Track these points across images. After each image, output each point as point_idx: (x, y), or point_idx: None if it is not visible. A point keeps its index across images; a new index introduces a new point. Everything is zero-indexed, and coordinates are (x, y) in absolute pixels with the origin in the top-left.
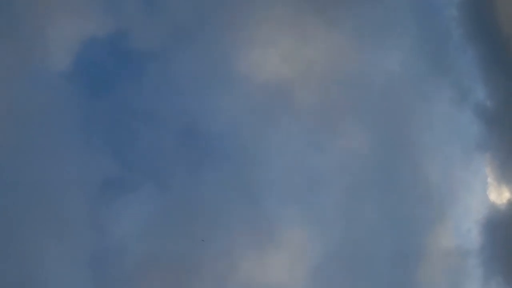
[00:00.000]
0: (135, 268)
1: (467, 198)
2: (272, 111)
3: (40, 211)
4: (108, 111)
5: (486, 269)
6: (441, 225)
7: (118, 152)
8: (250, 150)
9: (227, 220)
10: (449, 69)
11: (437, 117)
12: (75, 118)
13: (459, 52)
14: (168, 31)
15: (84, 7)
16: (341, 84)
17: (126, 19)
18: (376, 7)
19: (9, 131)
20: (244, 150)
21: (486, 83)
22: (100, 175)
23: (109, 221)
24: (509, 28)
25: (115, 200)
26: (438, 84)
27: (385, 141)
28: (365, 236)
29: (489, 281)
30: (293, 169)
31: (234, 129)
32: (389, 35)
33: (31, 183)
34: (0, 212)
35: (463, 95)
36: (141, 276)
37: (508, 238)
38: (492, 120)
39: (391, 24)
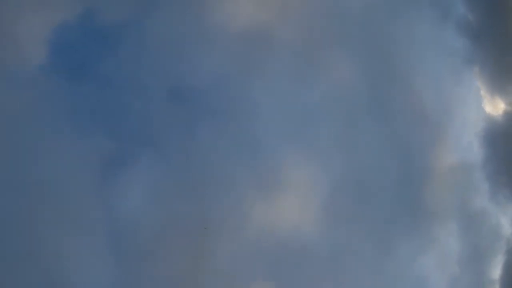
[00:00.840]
0: (151, 237)
1: (463, 113)
2: (255, 56)
3: (47, 202)
4: (93, 90)
5: (492, 183)
6: (441, 142)
7: (111, 128)
8: (240, 99)
9: (231, 173)
10: None
11: (421, 37)
12: (62, 105)
13: None
14: None
15: None
16: (319, 16)
17: None
18: None
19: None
20: (235, 101)
21: None
22: (98, 154)
23: (116, 197)
24: None
25: (118, 176)
26: (418, 4)
27: (372, 68)
28: (367, 164)
29: (496, 195)
30: (286, 109)
31: (220, 82)
32: None
33: (33, 177)
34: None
35: (444, 12)
36: (158, 243)
37: (509, 149)
38: (476, 33)
39: None
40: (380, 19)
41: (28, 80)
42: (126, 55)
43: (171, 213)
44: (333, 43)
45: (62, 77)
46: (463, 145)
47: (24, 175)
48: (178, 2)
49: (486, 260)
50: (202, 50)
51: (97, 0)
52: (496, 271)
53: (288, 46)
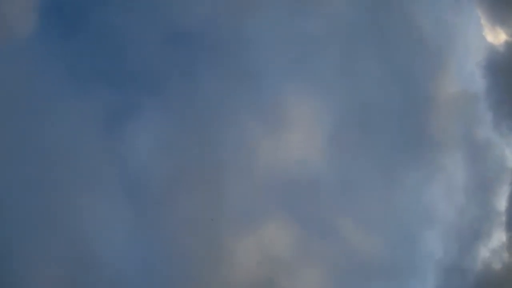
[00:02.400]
0: (163, 184)
1: (464, 42)
2: None
3: (58, 162)
4: (88, 46)
5: (495, 113)
6: (443, 71)
7: (111, 81)
8: (238, 35)
9: (235, 111)
10: None
11: None
12: (60, 65)
13: None
14: None
15: None
16: None
17: None
18: None
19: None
20: (232, 38)
21: None
22: (102, 108)
23: (125, 148)
24: None
25: (125, 126)
26: None
27: None
28: (370, 94)
29: (500, 126)
30: (285, 41)
31: (216, 19)
32: None
33: (41, 140)
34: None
35: None
36: (170, 189)
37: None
38: None
39: None
40: None
41: (22, 48)
42: (117, 6)
43: (179, 157)
44: None
45: (56, 38)
46: (465, 74)
47: (31, 139)
48: None
49: (492, 191)
50: None
51: None
52: (502, 203)
53: None
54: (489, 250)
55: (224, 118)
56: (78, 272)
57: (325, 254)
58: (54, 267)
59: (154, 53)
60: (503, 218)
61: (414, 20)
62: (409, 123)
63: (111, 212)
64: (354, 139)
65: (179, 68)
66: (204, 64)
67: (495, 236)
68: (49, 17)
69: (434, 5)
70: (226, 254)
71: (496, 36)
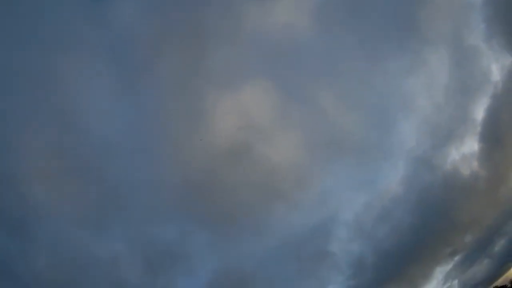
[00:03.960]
0: (147, 50)
1: None
2: None
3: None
4: None
5: (488, 26)
6: None
7: None
8: None
9: None
10: None
11: None
12: None
13: None
14: None
15: None
16: None
17: None
18: None
19: None
20: None
21: None
22: None
23: (110, 13)
24: None
25: None
26: None
27: None
28: None
29: (491, 39)
30: None
31: None
32: None
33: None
34: None
35: None
36: (156, 51)
37: None
38: None
39: None
40: None
41: None
42: None
43: (164, 19)
44: None
45: None
46: None
47: None
48: None
49: (471, 98)
50: None
51: None
52: (479, 113)
53: None
54: (459, 154)
55: None
56: (65, 139)
57: (302, 124)
58: (41, 135)
59: None
60: (478, 129)
61: None
62: (402, 13)
63: (96, 77)
64: (344, 16)
65: None
66: None
67: (467, 143)
68: None
69: None
70: (206, 117)
71: None
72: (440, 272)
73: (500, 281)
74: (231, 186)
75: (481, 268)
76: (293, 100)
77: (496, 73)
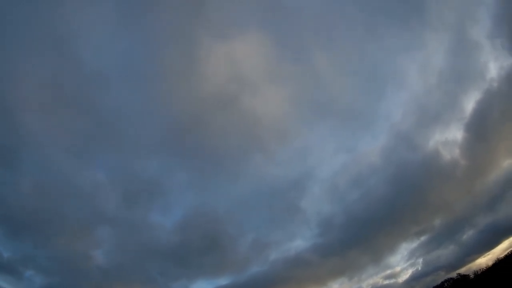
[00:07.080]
0: None
1: None
2: None
3: None
4: None
5: (494, 21)
6: None
7: None
8: None
9: None
10: None
11: None
12: None
13: None
14: None
15: None
16: None
17: None
18: None
19: None
20: None
21: None
22: None
23: None
24: None
25: None
26: None
27: None
28: None
29: (494, 37)
30: None
31: None
32: None
33: None
34: None
35: None
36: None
37: None
38: None
39: None
40: None
41: None
42: None
43: None
44: None
45: None
46: None
47: None
48: None
49: (463, 89)
50: None
51: None
52: (469, 104)
53: None
54: (443, 138)
55: None
56: (60, 69)
57: (292, 81)
58: (35, 64)
59: None
60: (466, 119)
61: None
62: None
63: (96, 8)
64: None
65: None
66: None
67: (452, 130)
68: None
69: None
70: (199, 62)
71: None
72: (405, 248)
73: (463, 270)
74: (215, 131)
75: (446, 252)
76: (287, 56)
77: (493, 71)
